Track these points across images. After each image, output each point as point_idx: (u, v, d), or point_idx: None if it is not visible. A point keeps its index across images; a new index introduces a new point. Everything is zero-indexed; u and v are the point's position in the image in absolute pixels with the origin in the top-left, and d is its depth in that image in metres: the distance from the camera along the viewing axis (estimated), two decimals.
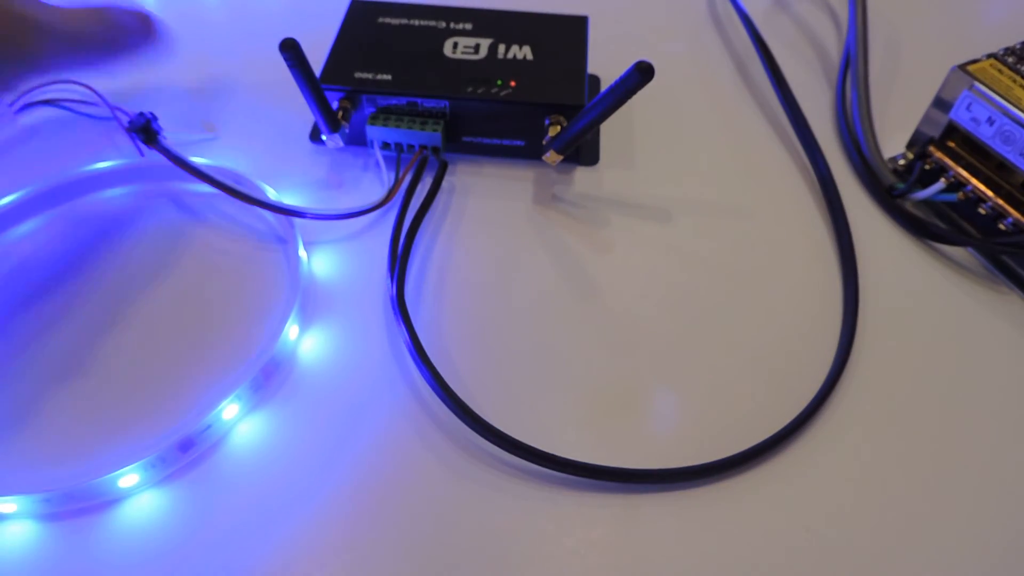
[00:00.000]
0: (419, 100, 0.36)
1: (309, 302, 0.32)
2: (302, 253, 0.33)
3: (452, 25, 0.39)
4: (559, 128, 0.35)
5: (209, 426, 0.28)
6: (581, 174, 0.38)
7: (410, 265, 0.33)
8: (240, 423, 0.29)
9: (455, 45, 0.38)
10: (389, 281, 0.32)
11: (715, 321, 0.33)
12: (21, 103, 0.38)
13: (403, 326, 0.30)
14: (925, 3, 0.50)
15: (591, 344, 0.32)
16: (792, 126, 0.41)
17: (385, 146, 0.36)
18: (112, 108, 0.37)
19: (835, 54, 0.46)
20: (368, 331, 0.32)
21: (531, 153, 0.38)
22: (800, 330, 0.33)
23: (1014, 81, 0.33)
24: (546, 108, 0.35)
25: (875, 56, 0.45)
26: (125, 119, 0.33)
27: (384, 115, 0.36)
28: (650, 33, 0.47)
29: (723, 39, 0.47)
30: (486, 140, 0.37)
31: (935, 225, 0.36)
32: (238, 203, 0.34)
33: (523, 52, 0.37)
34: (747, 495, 0.28)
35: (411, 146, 0.36)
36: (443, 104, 0.36)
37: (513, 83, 0.36)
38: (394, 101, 0.36)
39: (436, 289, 0.33)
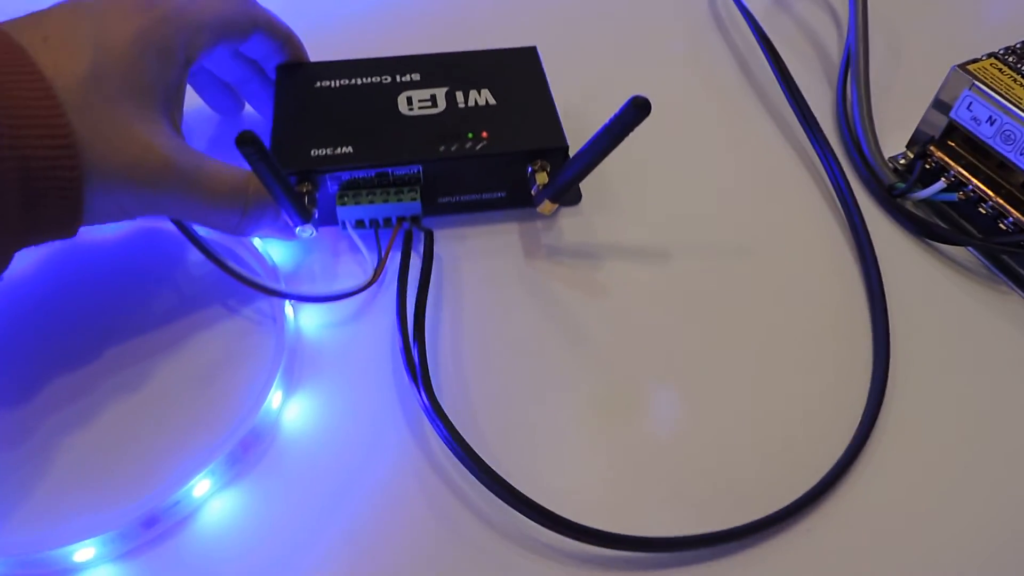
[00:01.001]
0: (389, 169, 0.32)
1: (295, 363, 0.30)
2: (288, 310, 0.31)
3: (399, 78, 0.35)
4: (545, 175, 0.32)
5: (177, 502, 0.26)
6: (568, 220, 0.36)
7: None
8: (212, 498, 0.26)
9: (409, 100, 0.34)
10: (402, 360, 0.29)
11: (739, 360, 0.31)
12: None
13: (435, 417, 0.27)
14: (925, 3, 0.50)
15: (598, 407, 0.30)
16: (805, 130, 0.41)
17: (359, 224, 0.33)
18: None
19: (835, 54, 0.46)
20: (360, 398, 0.29)
21: (513, 202, 0.35)
22: (825, 383, 0.31)
23: (1015, 80, 0.33)
24: (528, 156, 0.32)
25: (875, 56, 0.45)
26: None
27: (353, 191, 0.32)
28: (651, 35, 0.47)
29: (725, 39, 0.47)
30: (464, 197, 0.34)
31: (935, 225, 0.36)
32: (219, 256, 0.31)
33: (483, 96, 0.34)
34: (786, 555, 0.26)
35: (387, 219, 0.33)
36: (416, 169, 0.32)
37: (485, 133, 0.33)
38: (360, 174, 0.32)
39: (436, 359, 0.31)
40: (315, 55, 0.36)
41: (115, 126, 0.25)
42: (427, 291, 0.31)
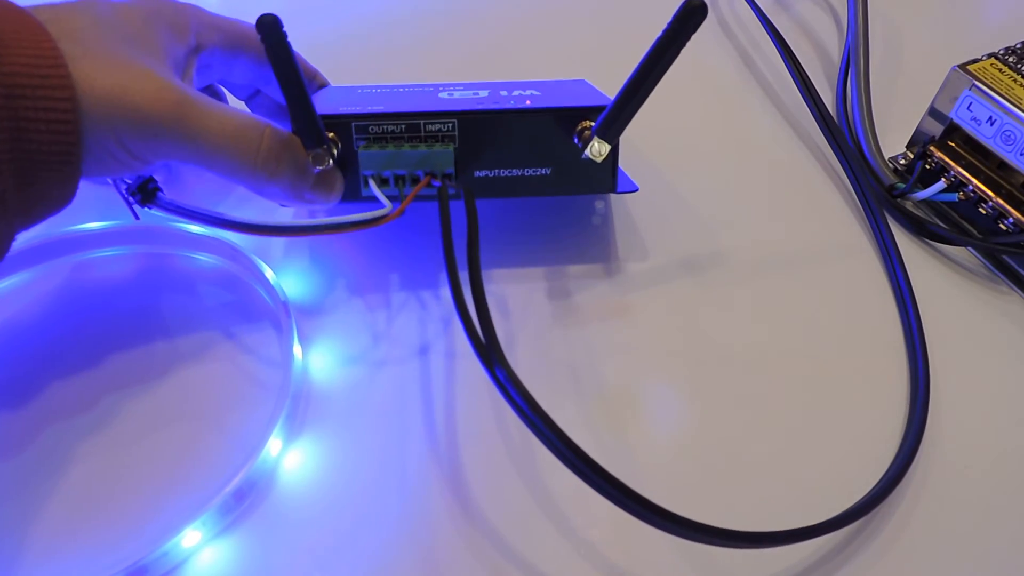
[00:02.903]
0: (421, 122, 0.29)
1: (300, 407, 0.29)
2: (296, 350, 0.29)
3: (441, 87, 0.34)
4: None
5: (165, 554, 0.24)
6: (598, 269, 0.34)
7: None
8: (202, 550, 0.25)
9: (450, 93, 0.33)
10: (463, 328, 0.26)
11: (783, 386, 0.31)
12: None
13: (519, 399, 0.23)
14: (925, 3, 0.50)
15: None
16: (821, 128, 0.41)
17: (383, 183, 0.30)
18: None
19: (835, 54, 0.46)
20: (368, 447, 0.28)
21: (559, 184, 0.31)
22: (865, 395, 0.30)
23: (1015, 81, 0.33)
24: (574, 115, 0.30)
25: (875, 56, 0.45)
26: (123, 183, 0.29)
27: (379, 142, 0.29)
28: (651, 35, 0.47)
29: (730, 39, 0.47)
30: (504, 172, 0.31)
31: (936, 225, 0.36)
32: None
33: (528, 91, 0.33)
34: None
35: (415, 177, 0.30)
36: (450, 125, 0.29)
37: (529, 102, 0.31)
38: (390, 127, 0.29)
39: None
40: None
41: (111, 56, 0.23)
42: (478, 251, 0.28)
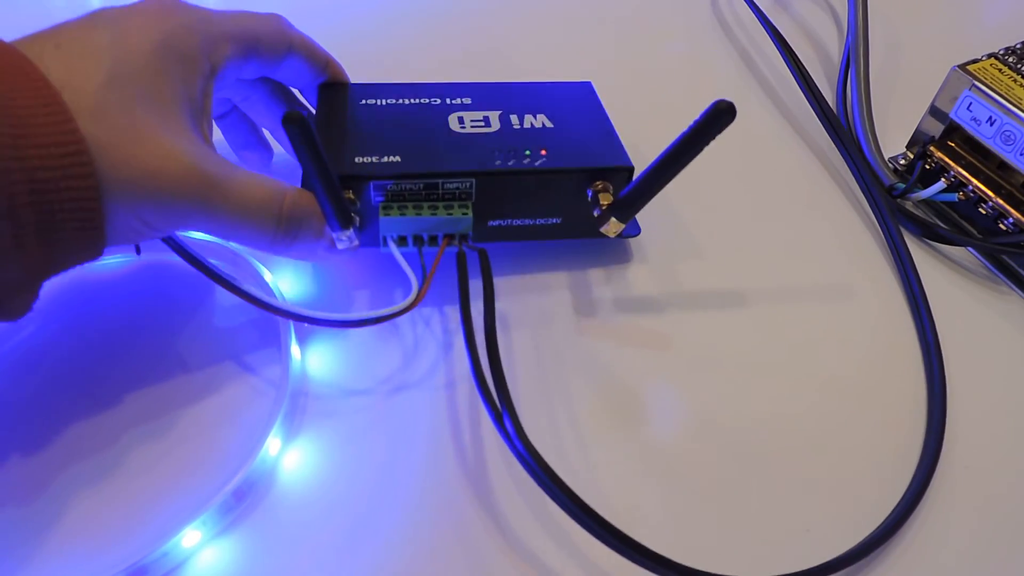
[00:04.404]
0: (439, 181, 0.30)
1: (298, 407, 0.29)
2: (295, 350, 0.29)
3: (448, 100, 0.34)
4: (608, 196, 0.30)
5: (165, 554, 0.24)
6: (618, 271, 0.34)
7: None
8: (203, 550, 0.25)
9: (461, 120, 0.32)
10: (477, 388, 0.27)
11: (793, 409, 0.30)
12: None
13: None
14: (925, 3, 0.50)
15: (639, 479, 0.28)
16: (825, 127, 0.41)
17: (401, 241, 0.30)
18: None
19: (835, 54, 0.46)
20: (367, 443, 0.28)
21: (567, 230, 0.32)
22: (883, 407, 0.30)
23: (1015, 81, 0.33)
24: (591, 175, 0.31)
25: (875, 56, 0.45)
26: None
27: (398, 203, 0.30)
28: (652, 37, 0.47)
29: (730, 40, 0.47)
30: (517, 221, 0.32)
31: (936, 225, 0.36)
32: (226, 288, 0.29)
33: (539, 120, 0.33)
34: None
35: (433, 238, 0.30)
36: (468, 184, 0.30)
37: (544, 151, 0.31)
38: (408, 185, 0.30)
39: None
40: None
41: (133, 132, 0.24)
42: (494, 314, 0.29)
